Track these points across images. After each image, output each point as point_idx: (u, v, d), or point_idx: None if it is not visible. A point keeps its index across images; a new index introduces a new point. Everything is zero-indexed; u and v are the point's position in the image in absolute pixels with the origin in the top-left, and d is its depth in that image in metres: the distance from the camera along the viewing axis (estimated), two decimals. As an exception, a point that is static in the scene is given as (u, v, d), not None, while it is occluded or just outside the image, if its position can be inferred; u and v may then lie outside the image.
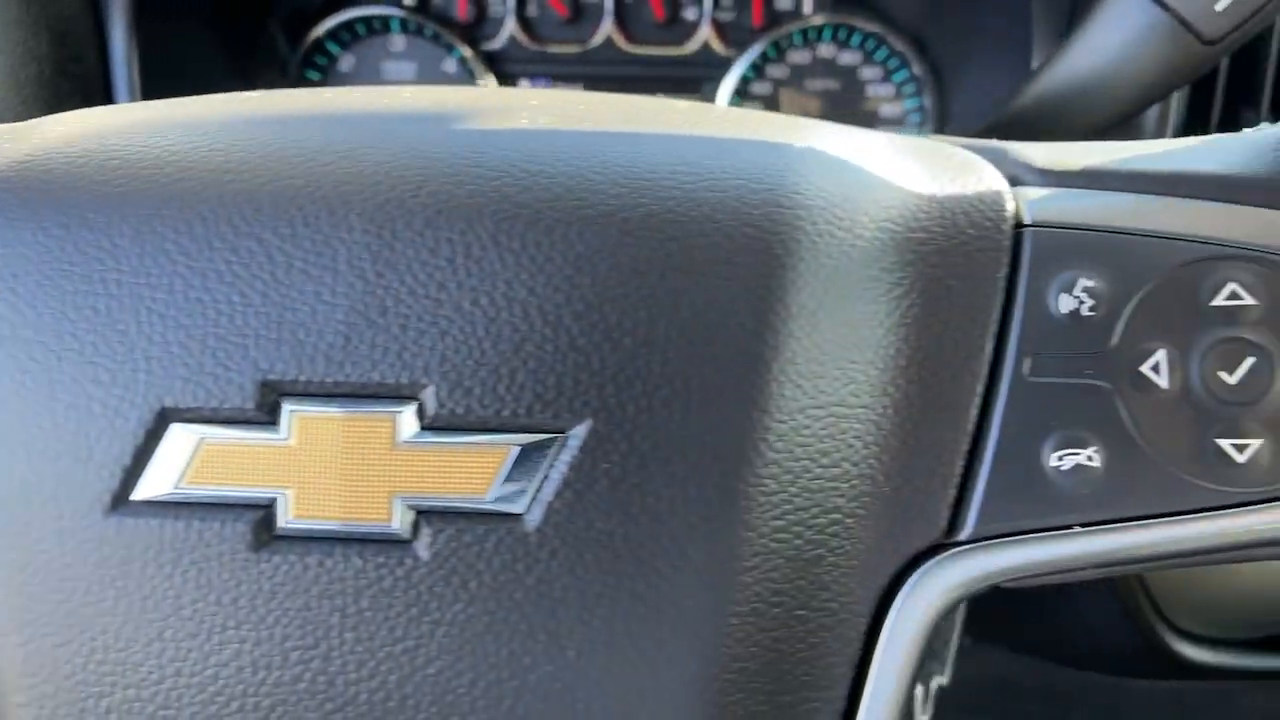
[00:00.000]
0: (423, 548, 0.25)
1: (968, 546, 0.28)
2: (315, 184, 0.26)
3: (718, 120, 0.30)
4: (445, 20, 0.82)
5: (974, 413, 0.27)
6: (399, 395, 0.26)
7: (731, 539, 0.26)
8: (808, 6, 0.81)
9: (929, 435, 0.27)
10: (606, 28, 0.82)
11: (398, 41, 0.83)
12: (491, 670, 0.26)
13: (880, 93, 0.84)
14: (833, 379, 0.27)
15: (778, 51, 0.82)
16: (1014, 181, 0.30)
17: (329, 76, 0.83)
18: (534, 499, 0.25)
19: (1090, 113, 0.49)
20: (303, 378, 0.26)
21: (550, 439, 0.25)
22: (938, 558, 0.28)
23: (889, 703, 0.28)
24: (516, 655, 0.26)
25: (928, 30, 0.81)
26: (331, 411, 0.25)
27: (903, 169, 0.29)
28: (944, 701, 1.20)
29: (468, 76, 0.83)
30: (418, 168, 0.27)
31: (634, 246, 0.26)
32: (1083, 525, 0.27)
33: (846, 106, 0.84)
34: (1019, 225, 0.28)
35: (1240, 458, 0.26)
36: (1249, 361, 0.27)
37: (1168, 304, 0.27)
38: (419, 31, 0.82)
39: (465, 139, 0.28)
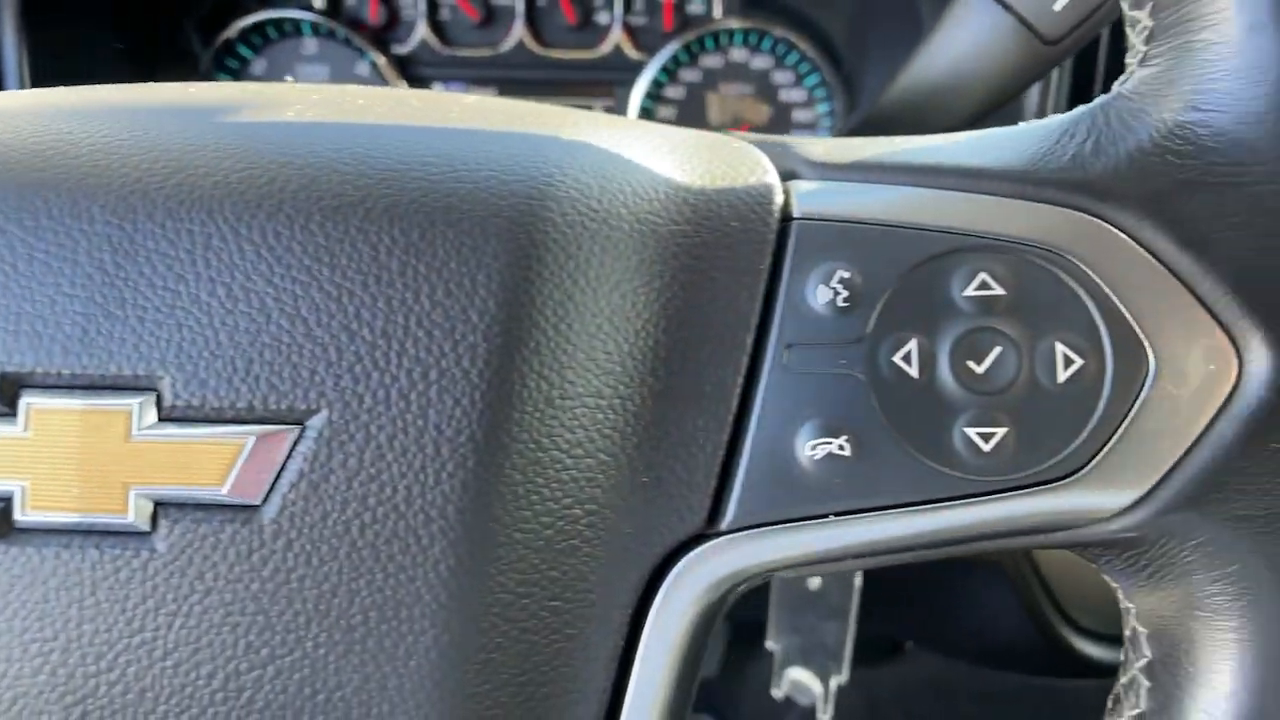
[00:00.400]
0: (160, 540, 0.25)
1: (727, 537, 0.28)
2: (62, 176, 0.26)
3: (492, 112, 0.30)
4: (357, 24, 0.82)
5: (734, 404, 0.27)
6: (136, 387, 0.25)
7: (475, 530, 0.26)
8: (718, 11, 0.81)
9: (688, 427, 0.27)
10: (518, 31, 0.82)
11: (309, 45, 0.83)
12: (230, 662, 0.25)
13: (794, 97, 0.84)
14: (584, 370, 0.27)
15: (690, 56, 0.83)
16: (791, 175, 0.30)
17: (241, 79, 0.83)
18: (271, 490, 0.25)
19: (945, 112, 0.49)
20: (40, 370, 0.25)
21: (288, 430, 0.25)
22: (698, 548, 0.28)
23: (655, 696, 0.28)
24: (255, 647, 0.25)
25: (837, 35, 0.82)
26: (69, 403, 0.25)
27: (672, 163, 0.29)
28: (877, 702, 1.20)
29: (379, 81, 0.83)
30: (167, 160, 0.27)
31: (374, 237, 0.26)
32: (836, 514, 0.27)
33: (761, 111, 0.84)
34: (787, 218, 0.28)
35: (986, 446, 0.26)
36: (996, 351, 0.27)
37: (920, 295, 0.27)
38: (330, 35, 0.82)
39: (223, 131, 0.28)
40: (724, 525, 0.28)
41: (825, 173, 0.30)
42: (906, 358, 0.27)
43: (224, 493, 0.25)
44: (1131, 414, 0.26)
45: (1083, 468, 0.26)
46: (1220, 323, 0.26)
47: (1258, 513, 0.25)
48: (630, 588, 0.27)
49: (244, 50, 0.83)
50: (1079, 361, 0.26)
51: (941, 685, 1.12)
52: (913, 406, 0.27)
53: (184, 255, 0.26)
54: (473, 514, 0.26)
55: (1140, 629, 0.28)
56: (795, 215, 0.28)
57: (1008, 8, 0.45)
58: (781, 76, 0.83)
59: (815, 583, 0.65)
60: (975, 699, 1.11)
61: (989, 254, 0.27)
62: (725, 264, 0.28)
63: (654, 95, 0.83)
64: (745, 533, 0.27)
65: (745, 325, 0.28)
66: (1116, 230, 0.27)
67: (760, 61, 0.83)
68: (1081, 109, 0.29)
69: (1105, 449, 0.26)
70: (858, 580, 0.64)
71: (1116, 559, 0.28)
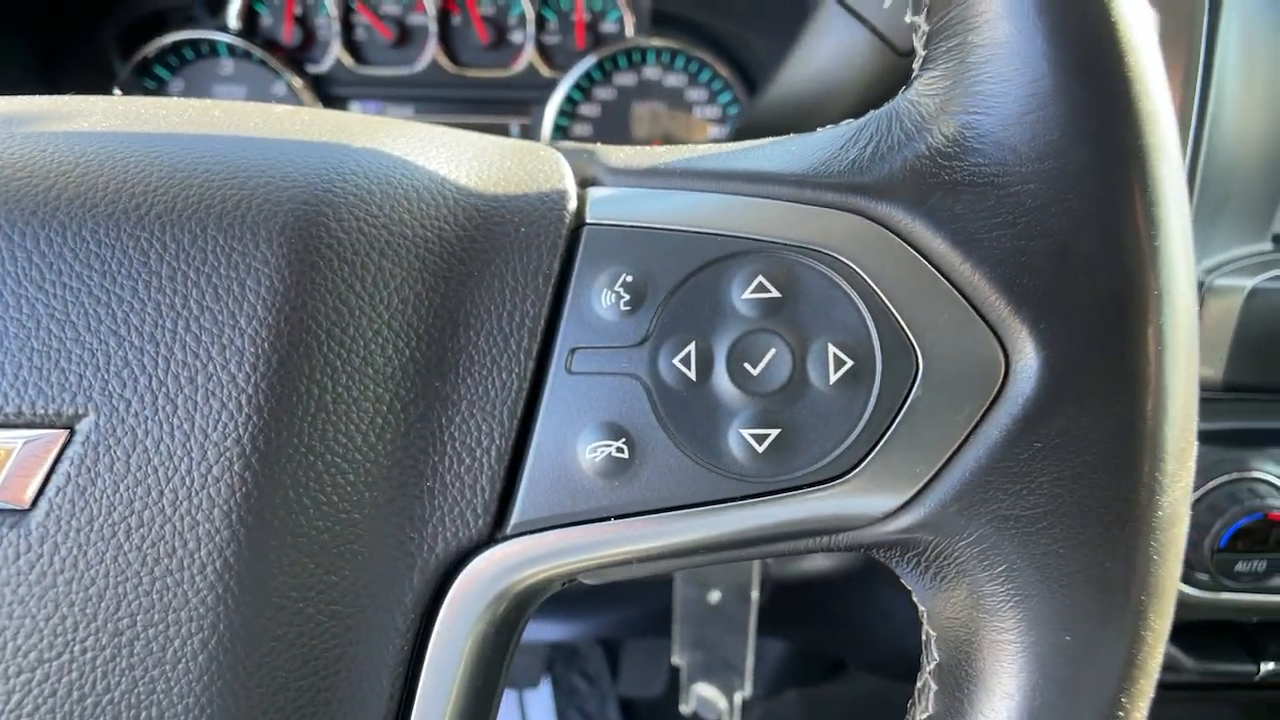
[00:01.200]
0: None
1: (510, 541, 0.28)
2: None
3: (293, 122, 0.30)
4: (273, 44, 0.83)
5: (518, 408, 0.28)
6: None
7: (244, 533, 0.26)
8: (630, 30, 0.82)
9: (472, 431, 0.28)
10: (431, 50, 0.83)
11: (226, 65, 0.84)
12: (0, 665, 0.25)
13: (708, 114, 0.85)
14: (361, 374, 0.27)
15: (604, 74, 0.84)
16: (591, 182, 0.30)
17: (158, 100, 0.83)
18: (39, 494, 0.25)
19: (812, 120, 0.50)
20: None
21: (56, 434, 0.25)
22: (483, 553, 0.28)
23: (443, 705, 0.28)
24: (22, 650, 0.25)
25: (745, 52, 0.83)
26: None
27: (467, 170, 0.30)
28: (817, 717, 1.20)
29: (295, 101, 0.83)
30: None
31: (146, 243, 0.26)
32: (617, 517, 0.27)
33: (676, 126, 0.85)
34: (581, 224, 0.29)
35: (759, 448, 0.27)
36: (771, 353, 0.27)
37: (700, 298, 0.28)
38: (247, 56, 0.83)
39: (13, 141, 0.28)
40: (509, 530, 0.28)
41: (621, 179, 0.30)
42: (685, 360, 0.27)
43: None
44: (900, 415, 0.26)
45: (853, 469, 0.26)
46: (988, 322, 0.26)
47: (1023, 511, 0.26)
48: (415, 593, 0.28)
49: (161, 71, 0.83)
50: (849, 363, 0.27)
51: (883, 701, 1.12)
52: (690, 409, 0.27)
53: None
54: (242, 517, 0.26)
55: (931, 632, 0.28)
56: (587, 221, 0.29)
57: (862, 20, 0.46)
58: (695, 94, 0.84)
59: (715, 597, 0.65)
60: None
61: (767, 258, 0.28)
62: (513, 269, 0.28)
63: (568, 113, 0.84)
64: (527, 537, 0.28)
65: (530, 329, 0.28)
66: (889, 233, 0.27)
67: (674, 79, 0.84)
68: (871, 114, 0.29)
69: (874, 450, 0.26)
70: (754, 594, 0.64)
71: (901, 561, 0.28)
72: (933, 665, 0.28)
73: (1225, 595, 0.68)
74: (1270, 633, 0.75)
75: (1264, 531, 0.63)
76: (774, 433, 0.27)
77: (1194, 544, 0.64)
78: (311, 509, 0.26)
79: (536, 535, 0.28)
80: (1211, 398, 0.64)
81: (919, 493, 0.26)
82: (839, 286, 0.27)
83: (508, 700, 1.48)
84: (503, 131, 0.85)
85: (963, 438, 0.26)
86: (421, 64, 0.83)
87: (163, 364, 0.26)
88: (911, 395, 0.26)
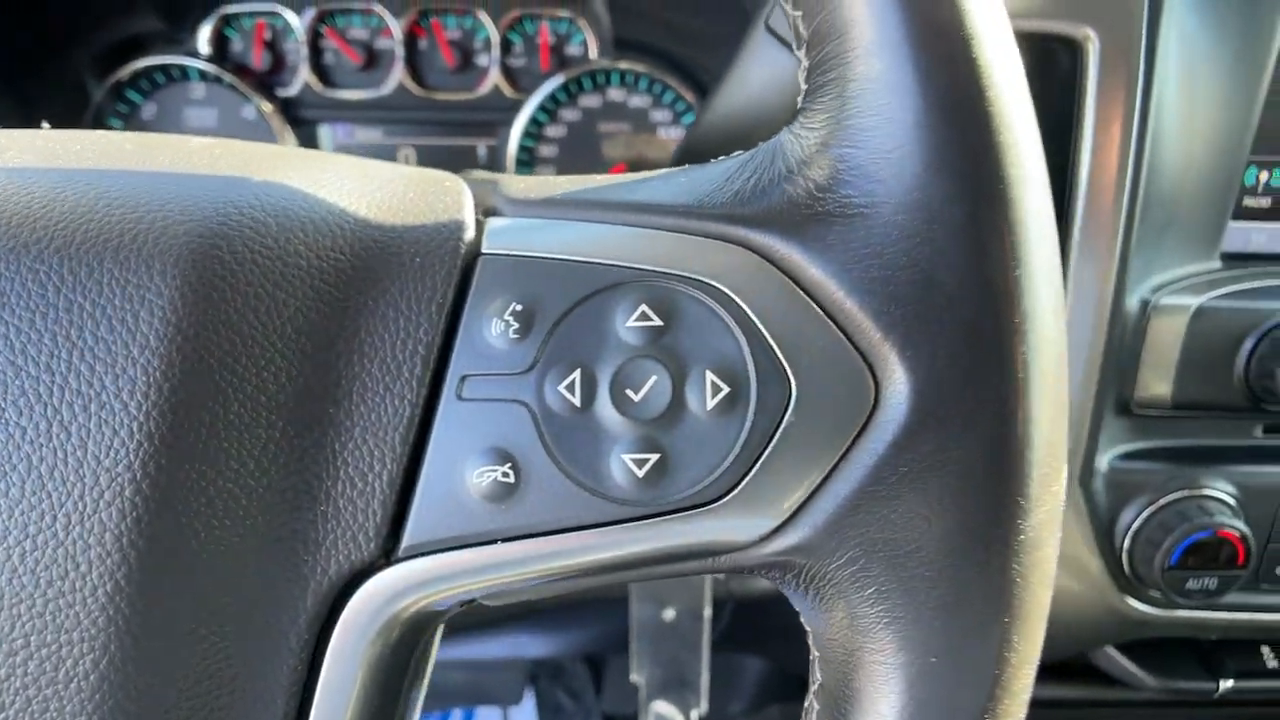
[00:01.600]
0: None
1: (402, 564, 0.28)
2: None
3: (201, 154, 0.31)
4: (242, 69, 0.84)
5: (410, 434, 0.28)
6: None
7: (135, 557, 0.26)
8: (594, 52, 0.83)
9: (365, 457, 0.28)
10: (398, 74, 0.84)
11: (197, 90, 0.85)
12: None
13: (673, 135, 0.86)
14: (253, 402, 0.27)
15: (569, 95, 0.85)
16: (493, 212, 0.31)
17: (131, 123, 0.85)
18: None
19: (746, 144, 0.51)
20: None
21: None
22: (376, 576, 0.28)
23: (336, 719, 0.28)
24: None
25: (707, 74, 0.84)
26: None
27: (367, 201, 0.30)
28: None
29: (264, 125, 0.84)
30: None
31: (44, 275, 0.27)
32: (504, 540, 0.28)
33: (641, 148, 0.86)
34: (477, 254, 0.30)
35: (639, 473, 0.27)
36: (652, 380, 0.28)
37: (585, 326, 0.28)
38: (218, 80, 0.84)
39: None
40: (400, 553, 0.28)
41: (519, 209, 0.31)
42: (570, 387, 0.28)
43: None
44: (774, 440, 0.27)
45: (728, 493, 0.27)
46: (859, 350, 0.27)
47: (892, 535, 0.26)
48: (308, 614, 0.28)
49: (133, 95, 0.84)
50: (726, 389, 0.27)
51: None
52: (574, 434, 0.28)
53: None
54: (133, 541, 0.26)
55: (815, 652, 0.29)
56: (482, 250, 0.30)
57: (787, 46, 0.47)
58: (659, 115, 0.85)
59: (670, 615, 0.65)
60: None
61: (650, 287, 0.28)
62: (407, 298, 0.29)
63: (534, 134, 0.85)
64: (418, 560, 0.28)
65: (423, 357, 0.29)
66: (768, 263, 0.28)
67: (638, 100, 0.85)
68: (760, 146, 0.30)
69: (749, 475, 0.27)
70: (706, 611, 0.64)
71: (784, 583, 0.29)
72: (816, 685, 0.29)
73: (1181, 613, 0.69)
74: (1229, 650, 0.75)
75: (1214, 549, 0.63)
76: (654, 458, 0.27)
77: (1146, 561, 0.65)
78: (203, 533, 0.27)
79: (426, 558, 0.28)
80: (1161, 415, 0.65)
81: (792, 516, 0.27)
82: (718, 315, 0.28)
83: (492, 716, 1.48)
84: (471, 152, 0.87)
85: (834, 463, 0.27)
86: (388, 87, 0.84)
87: (57, 393, 0.26)
88: (785, 421, 0.27)
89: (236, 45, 0.84)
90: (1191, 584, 0.64)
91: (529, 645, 1.21)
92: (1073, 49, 0.58)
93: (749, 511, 0.27)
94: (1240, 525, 0.63)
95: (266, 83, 0.85)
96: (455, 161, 0.86)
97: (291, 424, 0.28)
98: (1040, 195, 0.26)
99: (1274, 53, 0.59)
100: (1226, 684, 0.73)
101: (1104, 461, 0.65)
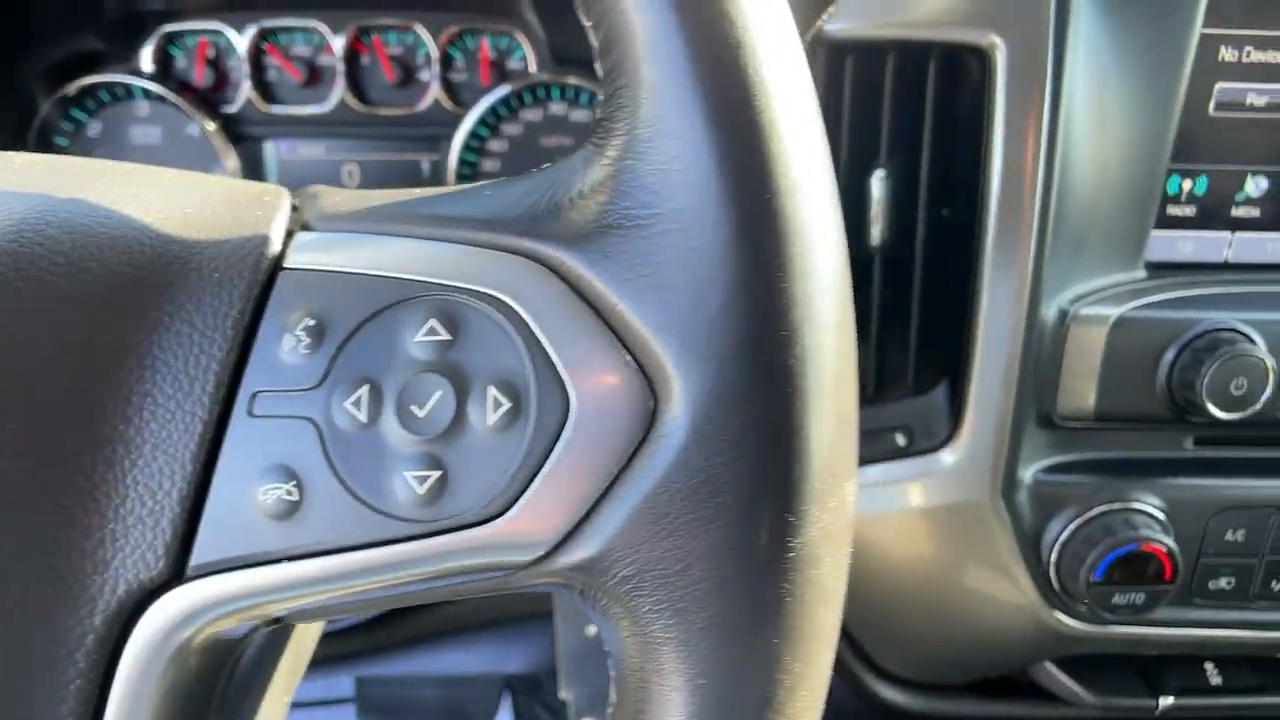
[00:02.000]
0: None
1: (191, 583, 0.28)
2: None
3: (15, 173, 0.31)
4: (186, 85, 0.84)
5: (202, 452, 0.28)
6: None
7: None
8: (534, 66, 0.83)
9: (155, 474, 0.28)
10: (339, 89, 0.84)
11: (142, 107, 0.85)
12: None
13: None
14: (43, 420, 0.27)
15: (510, 109, 0.85)
16: (306, 226, 0.31)
17: (76, 141, 0.85)
18: None
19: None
20: None
21: None
22: (165, 595, 0.28)
23: None
24: None
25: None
26: None
27: (177, 215, 0.30)
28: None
29: (207, 141, 0.85)
30: None
31: None
32: (289, 559, 0.28)
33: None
34: (278, 269, 0.29)
35: (421, 490, 0.27)
36: (437, 395, 0.27)
37: (375, 341, 0.28)
38: (161, 98, 0.84)
39: None
40: (189, 572, 0.28)
41: (329, 224, 0.31)
42: (356, 403, 0.28)
43: None
44: (551, 457, 0.27)
45: (505, 511, 0.27)
46: (639, 363, 0.26)
47: (664, 554, 0.26)
48: (96, 634, 0.28)
49: (78, 112, 0.85)
50: (507, 404, 0.27)
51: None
52: (359, 451, 0.28)
53: None
54: None
55: (611, 672, 0.28)
56: (284, 265, 0.29)
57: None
58: (601, 128, 0.85)
59: (592, 630, 0.65)
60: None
61: (440, 301, 0.28)
62: (202, 313, 0.29)
63: (476, 148, 0.85)
64: (207, 579, 0.28)
65: (216, 373, 0.28)
66: (555, 276, 0.27)
67: (579, 114, 0.85)
68: (561, 161, 0.30)
69: (526, 493, 0.27)
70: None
71: (579, 600, 0.28)
72: (611, 706, 0.28)
73: (1114, 629, 0.68)
74: (1170, 666, 0.74)
75: (1140, 563, 0.62)
76: (435, 475, 0.27)
77: (1072, 575, 0.63)
78: None
79: (215, 578, 0.28)
80: (1087, 427, 0.64)
81: (570, 535, 0.26)
82: (504, 329, 0.27)
83: (470, 733, 1.47)
84: (415, 167, 0.87)
85: (610, 480, 0.26)
86: (330, 103, 0.85)
87: None
88: (563, 437, 0.27)
89: (181, 63, 0.85)
90: (1118, 599, 0.63)
91: (505, 660, 1.21)
92: (983, 59, 0.57)
93: (526, 529, 0.27)
94: (1167, 540, 0.62)
95: (210, 100, 0.85)
96: (399, 176, 0.87)
97: (80, 440, 0.28)
98: (815, 204, 0.26)
99: (1188, 62, 0.58)
100: (1167, 701, 0.72)
101: (1028, 474, 0.64)
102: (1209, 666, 0.74)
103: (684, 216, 0.26)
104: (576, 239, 0.27)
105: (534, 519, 0.27)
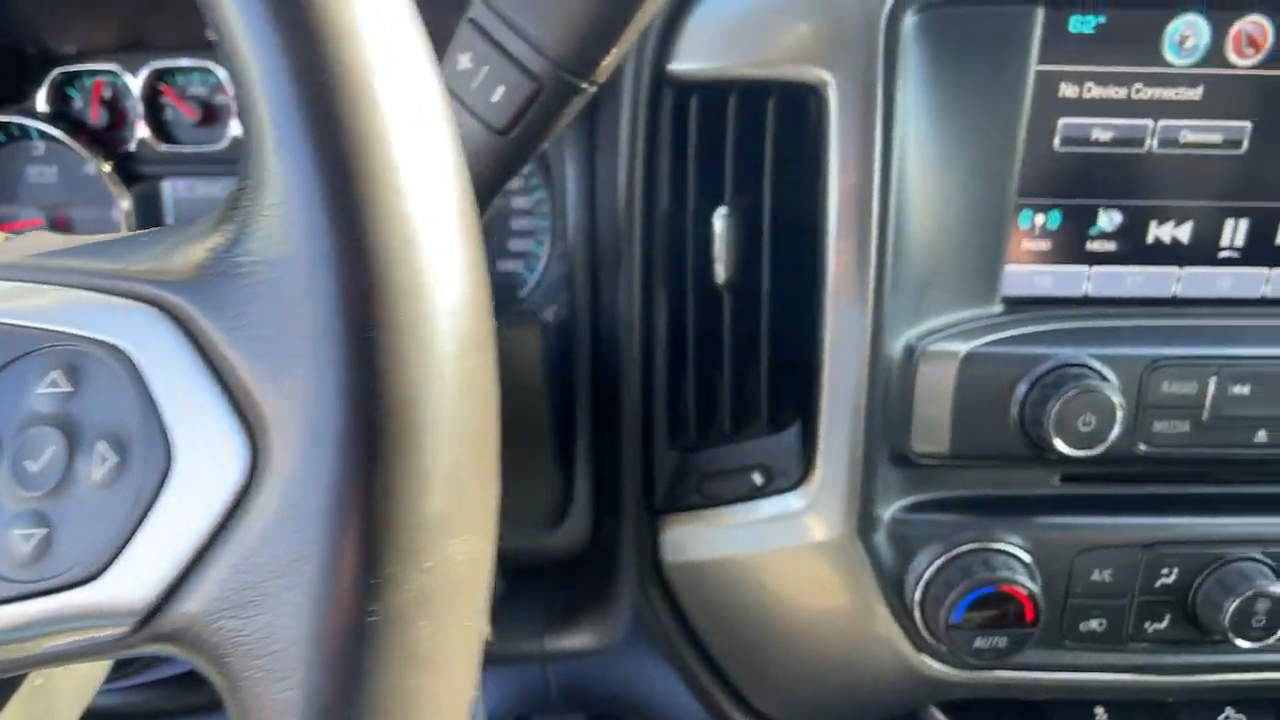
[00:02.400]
0: None
1: None
2: None
3: None
4: (81, 125, 0.85)
5: None
6: None
7: None
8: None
9: None
10: (234, 127, 0.84)
11: (39, 147, 0.86)
12: None
13: (518, 204, 0.85)
14: None
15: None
16: None
17: (-26, 182, 0.86)
18: None
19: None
20: None
21: None
22: None
23: None
24: None
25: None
26: None
27: None
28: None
29: (102, 181, 0.85)
30: None
31: None
32: None
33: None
34: None
35: (26, 548, 0.26)
36: (50, 450, 0.27)
37: (1, 395, 0.27)
38: (56, 138, 0.85)
39: None
40: None
41: None
42: None
43: None
44: (151, 515, 0.26)
45: (101, 572, 0.26)
46: (244, 418, 0.26)
47: (245, 624, 0.25)
48: None
49: (-23, 154, 0.86)
50: (114, 459, 0.26)
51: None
52: None
53: None
54: None
55: None
56: None
57: (459, 100, 0.46)
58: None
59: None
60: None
61: (63, 351, 0.27)
62: None
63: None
64: None
65: None
66: (174, 325, 0.27)
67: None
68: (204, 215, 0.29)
69: (125, 550, 0.26)
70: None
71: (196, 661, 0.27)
72: None
73: (987, 673, 0.66)
74: (1058, 712, 0.72)
75: (1000, 605, 0.61)
76: (41, 532, 0.26)
77: (935, 618, 0.62)
78: None
79: None
80: (948, 465, 0.62)
81: (165, 599, 0.26)
82: (121, 380, 0.27)
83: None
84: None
85: (203, 543, 0.25)
86: (226, 141, 0.85)
87: None
88: (163, 495, 0.26)
89: (77, 103, 0.85)
90: (980, 643, 0.61)
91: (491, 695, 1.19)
92: (818, 96, 0.57)
93: (122, 591, 0.26)
94: (1026, 581, 0.60)
95: (105, 140, 0.85)
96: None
97: None
98: (413, 251, 0.25)
99: (1026, 98, 0.57)
100: (1053, 747, 0.70)
101: (887, 513, 0.63)
102: (1099, 711, 0.72)
103: (281, 266, 0.25)
104: (195, 285, 0.27)
105: (128, 582, 0.26)
